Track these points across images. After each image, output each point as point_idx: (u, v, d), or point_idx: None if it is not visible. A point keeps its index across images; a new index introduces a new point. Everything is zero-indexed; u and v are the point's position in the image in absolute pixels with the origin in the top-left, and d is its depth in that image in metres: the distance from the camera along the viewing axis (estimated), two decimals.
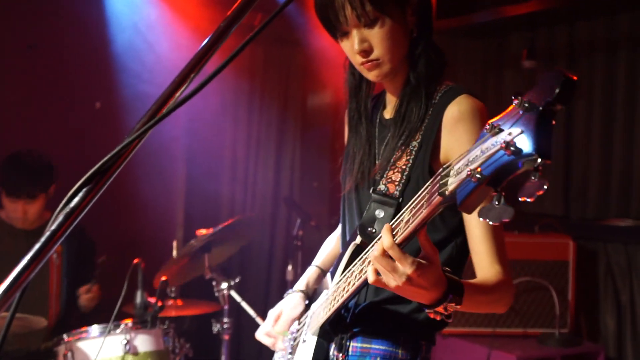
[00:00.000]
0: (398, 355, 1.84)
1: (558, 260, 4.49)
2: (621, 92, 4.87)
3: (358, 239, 1.85)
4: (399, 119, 1.86)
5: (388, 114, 1.98)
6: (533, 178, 1.12)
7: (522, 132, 1.12)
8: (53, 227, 1.02)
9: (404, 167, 1.82)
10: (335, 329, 1.89)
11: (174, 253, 4.46)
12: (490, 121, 1.21)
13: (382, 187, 1.84)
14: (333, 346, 1.90)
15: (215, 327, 4.14)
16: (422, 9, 1.86)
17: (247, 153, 6.17)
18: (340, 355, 1.86)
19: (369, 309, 1.85)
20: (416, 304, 1.63)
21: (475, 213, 1.49)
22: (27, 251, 1.04)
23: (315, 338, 1.90)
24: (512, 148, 1.12)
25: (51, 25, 4.98)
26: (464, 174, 1.23)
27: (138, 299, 3.69)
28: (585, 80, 5.15)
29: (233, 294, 4.07)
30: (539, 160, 1.10)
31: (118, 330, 3.53)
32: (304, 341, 1.96)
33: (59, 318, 4.16)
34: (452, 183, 1.27)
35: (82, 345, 3.53)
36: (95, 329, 3.54)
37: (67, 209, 1.03)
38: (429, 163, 1.80)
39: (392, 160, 1.85)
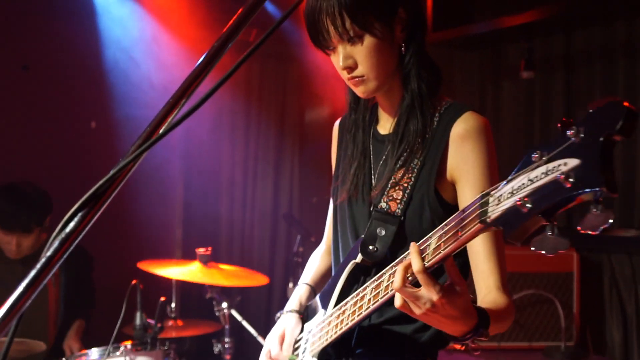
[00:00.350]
0: None
1: (562, 273, 4.48)
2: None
3: (358, 258, 1.83)
4: (397, 138, 1.85)
5: (382, 129, 1.97)
6: (595, 210, 1.09)
7: (581, 163, 1.09)
8: (48, 254, 1.01)
9: (405, 185, 1.81)
10: (337, 351, 1.86)
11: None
12: (534, 148, 1.18)
13: (383, 204, 1.83)
14: None
15: (217, 348, 4.13)
16: (413, 25, 1.83)
17: (245, 170, 6.17)
18: None
19: (372, 329, 1.84)
20: (420, 323, 1.61)
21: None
22: (23, 277, 1.03)
23: None
24: (571, 179, 1.09)
25: (45, 47, 5.00)
26: (509, 203, 1.20)
27: (137, 320, 3.68)
28: (583, 89, 5.16)
29: (234, 313, 4.05)
30: (598, 192, 1.07)
31: (118, 353, 3.52)
32: None
33: (57, 339, 4.17)
34: (494, 211, 1.24)
35: None
36: (94, 351, 3.53)
37: (62, 234, 1.02)
38: (434, 182, 1.79)
39: (392, 178, 1.83)
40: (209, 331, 4.37)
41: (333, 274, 1.99)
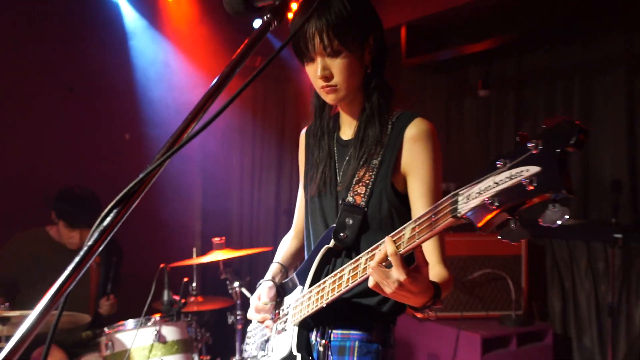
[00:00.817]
0: (372, 338, 1.84)
1: (513, 255, 4.49)
2: (559, 113, 4.89)
3: (331, 243, 1.84)
4: (358, 142, 1.87)
5: (345, 135, 1.98)
6: (553, 207, 1.10)
7: (542, 170, 1.10)
8: (90, 243, 1.01)
9: (367, 181, 1.82)
10: (316, 320, 1.87)
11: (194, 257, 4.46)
12: (497, 157, 1.19)
13: (350, 198, 1.84)
14: (314, 333, 1.88)
15: (230, 319, 4.13)
16: (378, 50, 1.86)
17: (252, 174, 6.17)
18: (323, 341, 1.85)
19: (344, 302, 1.84)
20: (381, 296, 1.62)
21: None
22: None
23: (296, 328, 1.87)
24: (535, 184, 1.10)
25: (87, 72, 5.00)
26: (477, 201, 1.21)
27: (165, 297, 3.69)
28: (530, 105, 5.18)
29: (244, 290, 4.05)
30: (559, 194, 1.08)
31: (149, 323, 3.52)
32: (285, 330, 1.93)
33: (95, 313, 4.19)
34: (463, 208, 1.25)
35: (120, 336, 3.52)
36: (130, 322, 3.54)
37: (101, 227, 1.03)
38: (390, 177, 1.81)
39: (356, 177, 1.84)
40: (224, 306, 4.37)
41: (307, 256, 1.99)
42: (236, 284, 4.08)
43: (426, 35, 5.66)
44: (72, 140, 4.97)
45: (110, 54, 5.13)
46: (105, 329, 3.56)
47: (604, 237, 4.30)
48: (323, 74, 1.78)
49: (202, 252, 4.55)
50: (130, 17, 5.24)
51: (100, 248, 1.02)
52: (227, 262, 4.20)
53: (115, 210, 1.04)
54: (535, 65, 5.12)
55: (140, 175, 1.05)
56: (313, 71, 1.81)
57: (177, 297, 3.72)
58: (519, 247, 4.50)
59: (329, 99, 1.85)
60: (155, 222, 5.21)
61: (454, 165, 5.49)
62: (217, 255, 4.16)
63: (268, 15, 1.28)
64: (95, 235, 1.02)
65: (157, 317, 3.57)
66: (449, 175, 5.15)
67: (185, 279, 3.90)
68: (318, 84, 1.82)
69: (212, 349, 4.01)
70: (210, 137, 5.71)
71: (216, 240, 4.26)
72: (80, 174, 4.66)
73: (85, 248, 1.01)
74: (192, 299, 4.30)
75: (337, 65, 1.77)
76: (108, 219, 1.03)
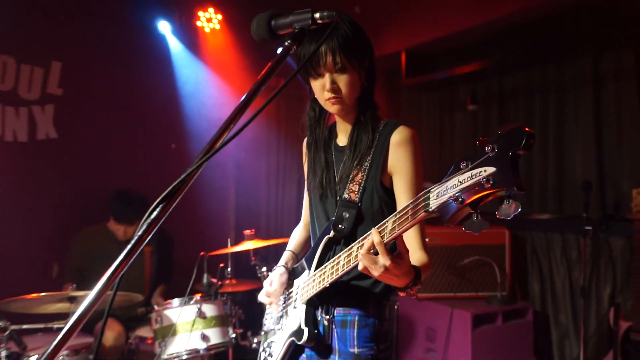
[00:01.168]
0: (369, 314, 1.83)
1: (498, 244, 4.46)
2: (537, 126, 4.85)
3: (331, 233, 1.84)
4: (352, 146, 1.86)
5: (340, 142, 1.96)
6: (507, 202, 1.09)
7: (497, 170, 1.09)
8: (139, 233, 1.02)
9: (360, 180, 1.81)
10: (320, 299, 1.86)
11: (229, 246, 4.47)
12: (461, 159, 1.18)
13: (346, 196, 1.83)
14: (320, 310, 1.87)
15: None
16: (370, 70, 1.87)
17: (277, 177, 6.18)
18: (328, 317, 1.84)
19: (343, 283, 1.84)
20: (374, 279, 1.62)
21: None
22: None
23: (304, 306, 1.87)
24: (491, 182, 1.09)
25: (139, 93, 5.04)
26: (445, 197, 1.20)
27: (204, 279, 3.70)
28: (512, 117, 5.14)
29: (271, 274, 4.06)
30: (511, 191, 1.08)
31: (192, 302, 3.54)
32: (295, 307, 1.92)
33: (149, 294, 4.21)
34: (434, 203, 1.24)
35: (167, 312, 3.54)
36: (176, 301, 3.57)
37: (149, 220, 1.04)
38: (379, 176, 1.80)
39: (350, 176, 1.84)
40: (254, 287, 4.37)
41: (312, 245, 1.98)
42: (264, 268, 4.08)
43: (422, 59, 5.64)
44: (127, 151, 5.01)
45: (158, 77, 5.16)
46: (155, 307, 3.59)
47: (577, 229, 4.26)
48: (332, 87, 1.77)
49: (236, 242, 4.55)
50: (175, 47, 5.28)
51: (149, 237, 1.03)
52: (257, 250, 4.20)
53: (161, 205, 1.04)
54: (516, 83, 5.09)
55: (182, 176, 1.05)
56: (320, 85, 1.80)
57: (214, 280, 3.73)
58: (504, 237, 4.46)
59: (333, 109, 1.83)
60: (196, 217, 5.23)
61: (446, 168, 5.46)
62: (248, 245, 4.16)
63: (288, 41, 1.28)
64: (144, 226, 1.03)
65: (198, 296, 3.58)
66: (443, 177, 5.12)
67: (221, 265, 3.92)
68: (325, 96, 1.81)
69: (244, 323, 4.01)
70: (241, 147, 5.73)
71: (247, 232, 4.27)
72: (135, 178, 4.70)
73: (135, 237, 1.02)
74: (227, 281, 4.30)
75: (343, 80, 1.77)
76: (155, 213, 1.04)
